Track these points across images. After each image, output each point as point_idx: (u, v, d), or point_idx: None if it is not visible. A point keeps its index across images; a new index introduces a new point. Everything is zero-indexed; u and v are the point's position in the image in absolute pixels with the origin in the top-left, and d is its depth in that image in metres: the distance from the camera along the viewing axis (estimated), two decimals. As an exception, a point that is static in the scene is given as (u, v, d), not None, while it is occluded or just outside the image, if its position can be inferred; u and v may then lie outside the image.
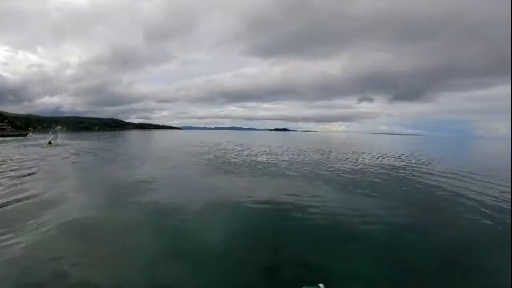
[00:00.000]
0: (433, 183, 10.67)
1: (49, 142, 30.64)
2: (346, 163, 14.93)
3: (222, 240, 5.33)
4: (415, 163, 16.06)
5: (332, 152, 24.30)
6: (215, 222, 6.45)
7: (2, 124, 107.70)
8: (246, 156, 19.27)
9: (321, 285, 2.55)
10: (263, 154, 21.12)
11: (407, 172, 12.28)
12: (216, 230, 5.89)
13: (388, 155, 22.51)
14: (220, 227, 6.04)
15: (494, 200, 8.09)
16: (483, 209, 7.29)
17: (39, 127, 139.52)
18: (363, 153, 24.16)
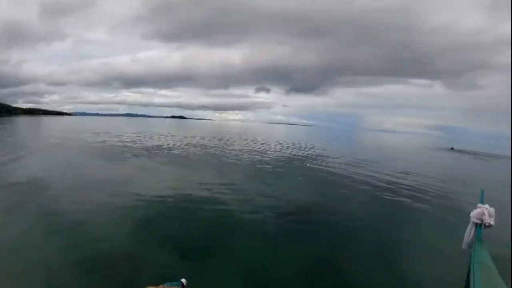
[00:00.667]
0: (317, 167, 11.57)
1: None
2: (246, 152, 15.24)
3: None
4: (307, 151, 17.52)
5: (232, 140, 24.91)
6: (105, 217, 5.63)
7: None
8: (141, 145, 17.79)
9: (183, 280, 2.51)
10: (162, 143, 20.01)
11: (299, 159, 13.21)
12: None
13: (284, 144, 24.31)
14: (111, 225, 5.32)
15: (378, 181, 9.17)
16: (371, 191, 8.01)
17: None
18: (263, 142, 25.34)
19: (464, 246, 2.14)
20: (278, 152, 14.87)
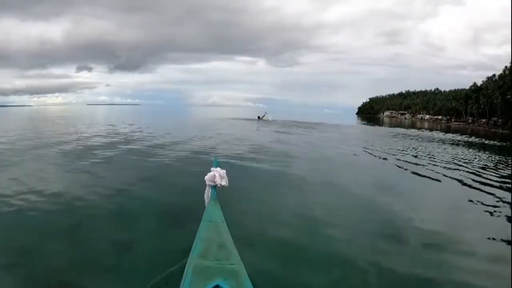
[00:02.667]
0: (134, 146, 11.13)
1: None
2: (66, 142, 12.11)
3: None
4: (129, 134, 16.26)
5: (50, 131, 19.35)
6: None
7: None
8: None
9: None
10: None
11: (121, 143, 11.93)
12: None
13: (103, 129, 21.53)
14: None
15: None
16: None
17: None
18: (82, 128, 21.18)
19: (206, 206, 2.28)
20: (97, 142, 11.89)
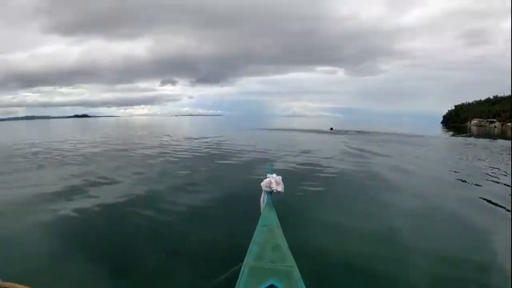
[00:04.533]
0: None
1: None
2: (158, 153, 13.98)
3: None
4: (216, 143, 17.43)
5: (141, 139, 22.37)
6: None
7: None
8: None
9: None
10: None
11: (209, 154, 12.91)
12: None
13: (191, 136, 23.66)
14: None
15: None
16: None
17: None
18: (170, 136, 23.92)
19: (262, 212, 2.39)
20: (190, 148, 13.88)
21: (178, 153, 11.88)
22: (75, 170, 8.66)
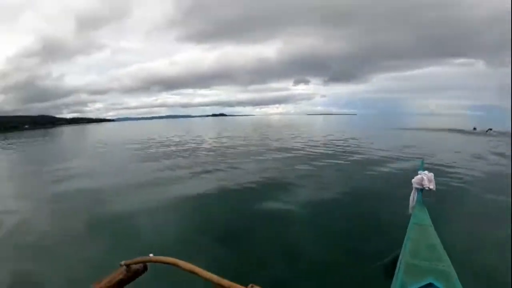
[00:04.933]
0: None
1: None
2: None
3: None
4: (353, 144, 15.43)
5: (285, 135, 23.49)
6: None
7: None
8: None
9: (151, 255, 2.09)
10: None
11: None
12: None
13: (334, 136, 22.88)
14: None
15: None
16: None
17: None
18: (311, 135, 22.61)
19: (410, 210, 2.42)
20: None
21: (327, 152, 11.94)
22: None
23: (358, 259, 2.91)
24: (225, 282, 0.80)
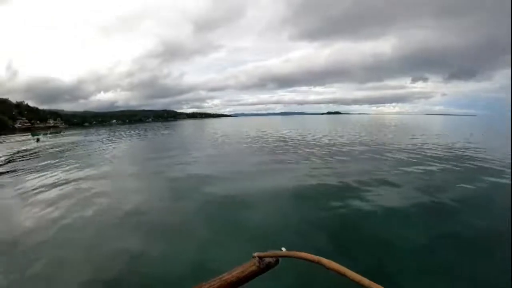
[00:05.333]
0: None
1: (37, 140, 30.53)
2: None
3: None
4: None
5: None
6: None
7: (55, 122, 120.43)
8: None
9: (283, 248, 2.35)
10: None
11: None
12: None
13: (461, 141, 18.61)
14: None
15: None
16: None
17: (95, 122, 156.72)
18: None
19: None
20: None
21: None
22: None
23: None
24: (376, 286, 0.73)
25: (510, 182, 6.80)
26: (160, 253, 3.89)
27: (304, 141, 18.55)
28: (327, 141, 18.24)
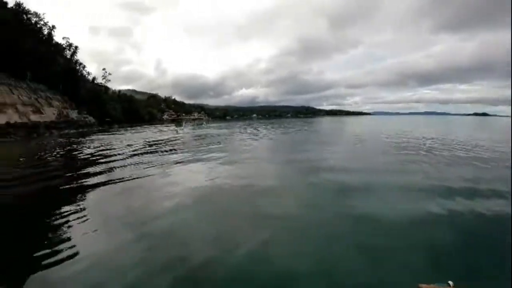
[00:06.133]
0: None
1: (178, 130, 34.93)
2: None
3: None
4: None
5: None
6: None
7: (199, 114, 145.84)
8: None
9: (450, 282, 2.42)
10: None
11: None
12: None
13: None
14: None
15: None
16: None
17: (236, 116, 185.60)
18: None
19: None
20: None
21: None
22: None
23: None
24: None
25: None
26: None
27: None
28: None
